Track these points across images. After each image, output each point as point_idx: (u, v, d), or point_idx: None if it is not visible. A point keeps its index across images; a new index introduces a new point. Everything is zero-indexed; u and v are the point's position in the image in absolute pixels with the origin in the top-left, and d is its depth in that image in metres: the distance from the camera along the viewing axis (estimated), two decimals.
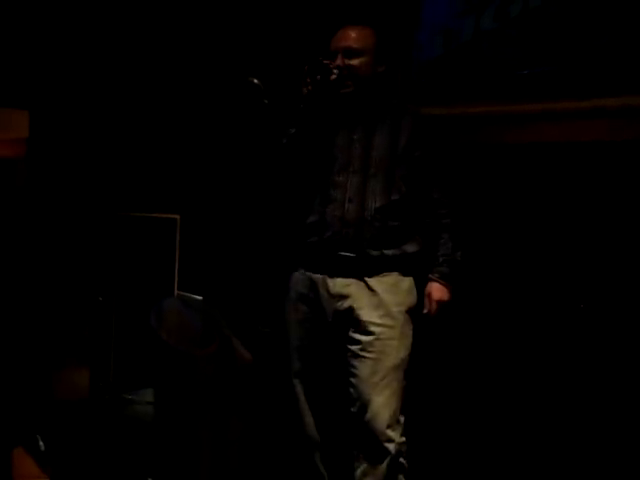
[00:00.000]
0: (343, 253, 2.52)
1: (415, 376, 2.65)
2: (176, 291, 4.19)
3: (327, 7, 3.78)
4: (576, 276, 3.30)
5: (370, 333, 2.50)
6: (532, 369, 3.33)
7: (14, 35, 3.96)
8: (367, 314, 2.51)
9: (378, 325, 2.50)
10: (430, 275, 2.58)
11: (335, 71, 2.51)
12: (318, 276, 2.57)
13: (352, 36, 2.56)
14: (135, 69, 4.25)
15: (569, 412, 3.21)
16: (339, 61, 2.53)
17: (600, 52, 3.22)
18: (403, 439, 2.53)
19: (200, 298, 3.92)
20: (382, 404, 2.48)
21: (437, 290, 2.56)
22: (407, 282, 2.57)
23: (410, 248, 2.56)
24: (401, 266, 2.55)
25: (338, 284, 2.54)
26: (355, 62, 2.54)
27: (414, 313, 2.59)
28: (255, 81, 2.63)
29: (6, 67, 3.92)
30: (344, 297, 2.54)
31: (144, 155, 4.32)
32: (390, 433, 2.49)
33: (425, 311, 2.57)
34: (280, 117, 2.65)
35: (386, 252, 2.52)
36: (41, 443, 2.93)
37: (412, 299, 2.59)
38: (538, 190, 3.38)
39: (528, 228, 3.40)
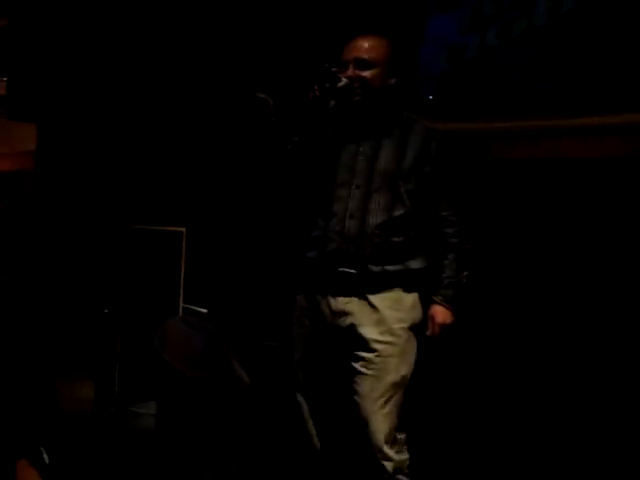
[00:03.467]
0: (343, 269, 2.49)
1: (421, 391, 2.64)
2: (181, 304, 4.20)
3: (334, 22, 3.81)
4: (583, 293, 3.30)
5: (370, 350, 2.47)
6: (535, 385, 3.33)
7: (22, 50, 4.00)
8: (368, 331, 2.48)
9: (379, 342, 2.47)
10: (433, 297, 2.52)
11: (344, 79, 2.46)
12: (320, 293, 2.54)
13: (364, 47, 2.51)
14: (142, 84, 4.27)
15: (574, 438, 3.20)
16: (350, 72, 2.49)
17: (606, 69, 3.23)
18: (403, 457, 2.49)
19: (205, 311, 3.93)
20: (381, 421, 2.45)
21: (440, 313, 2.50)
22: (410, 298, 2.52)
23: (415, 264, 2.51)
24: (404, 282, 2.50)
25: (340, 301, 2.51)
26: (366, 73, 2.49)
27: (418, 329, 2.53)
28: (263, 96, 2.62)
29: (15, 81, 3.96)
30: (345, 314, 2.50)
31: (150, 168, 4.34)
32: (387, 451, 2.46)
33: (428, 333, 2.52)
34: (287, 130, 2.63)
35: (388, 268, 2.47)
36: (45, 455, 2.93)
37: (416, 315, 2.53)
38: (541, 205, 3.40)
39: (532, 242, 3.41)
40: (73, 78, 4.13)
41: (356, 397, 2.50)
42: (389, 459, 2.46)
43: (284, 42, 4.04)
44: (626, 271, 3.21)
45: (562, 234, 3.36)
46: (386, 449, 2.46)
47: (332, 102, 2.46)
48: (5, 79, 4.13)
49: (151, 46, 4.27)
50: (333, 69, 2.46)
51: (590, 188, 3.28)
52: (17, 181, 4.31)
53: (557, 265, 3.38)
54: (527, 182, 3.44)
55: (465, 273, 2.52)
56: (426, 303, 2.57)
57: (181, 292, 4.20)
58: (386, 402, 2.46)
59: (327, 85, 2.43)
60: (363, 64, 2.50)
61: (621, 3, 3.21)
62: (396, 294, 2.50)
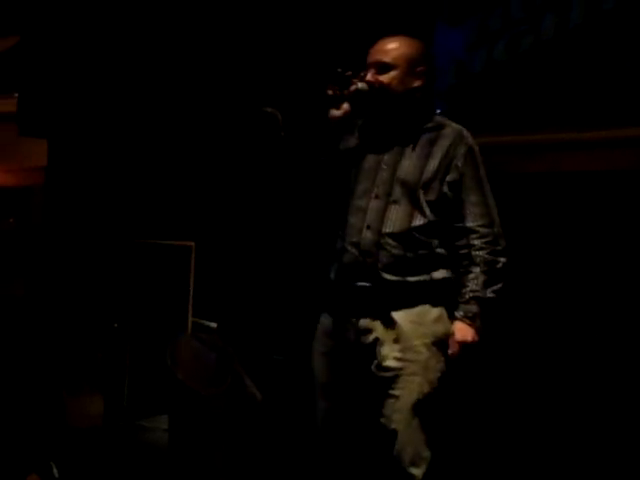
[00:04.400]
0: (362, 284, 2.40)
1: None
2: (190, 318, 4.20)
3: (341, 37, 3.83)
4: (592, 308, 3.30)
5: (391, 369, 2.38)
6: (535, 394, 3.33)
7: (33, 67, 4.03)
8: (387, 349, 2.38)
9: (399, 360, 2.37)
10: (455, 313, 2.38)
11: (361, 84, 2.38)
12: (344, 309, 2.45)
13: (383, 49, 2.42)
14: (152, 99, 4.30)
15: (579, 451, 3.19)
16: (369, 76, 2.40)
17: (614, 83, 3.24)
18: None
19: (214, 325, 3.94)
20: (405, 442, 2.36)
21: (460, 330, 2.36)
22: (436, 312, 2.40)
23: (438, 275, 2.39)
24: (430, 295, 2.39)
25: (362, 319, 2.41)
26: (384, 77, 2.40)
27: (444, 344, 2.39)
28: (271, 111, 2.60)
29: (26, 98, 3.99)
30: (368, 330, 2.42)
31: (160, 183, 4.36)
32: (413, 470, 2.37)
33: (449, 352, 2.38)
34: (296, 145, 2.59)
35: (409, 279, 2.37)
36: (55, 470, 2.94)
37: (440, 329, 2.39)
38: (548, 219, 3.40)
39: (536, 257, 3.41)
40: (84, 94, 4.15)
41: (381, 418, 2.41)
42: (414, 479, 2.38)
43: (291, 56, 4.06)
44: (632, 284, 3.21)
45: (567, 247, 3.36)
46: (412, 470, 2.37)
47: (345, 106, 2.38)
48: (16, 95, 4.16)
49: (161, 63, 4.30)
50: (347, 73, 2.39)
51: (598, 201, 3.29)
52: (27, 196, 4.33)
53: (564, 278, 3.38)
54: (535, 196, 3.45)
55: (493, 288, 2.35)
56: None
57: (190, 306, 4.20)
58: (410, 423, 2.36)
59: (338, 91, 2.37)
60: (382, 67, 2.40)
61: (629, 18, 3.22)
62: (419, 309, 2.39)
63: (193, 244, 4.24)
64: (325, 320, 2.53)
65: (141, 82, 4.28)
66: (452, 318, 2.40)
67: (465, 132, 2.46)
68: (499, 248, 2.39)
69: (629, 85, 3.22)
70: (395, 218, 2.38)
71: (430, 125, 2.45)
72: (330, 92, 2.38)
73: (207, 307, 4.17)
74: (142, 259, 4.24)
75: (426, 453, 2.39)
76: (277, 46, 4.10)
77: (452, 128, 2.44)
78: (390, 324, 2.39)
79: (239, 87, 4.19)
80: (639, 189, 3.21)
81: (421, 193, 2.37)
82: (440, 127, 2.44)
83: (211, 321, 4.03)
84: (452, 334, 2.37)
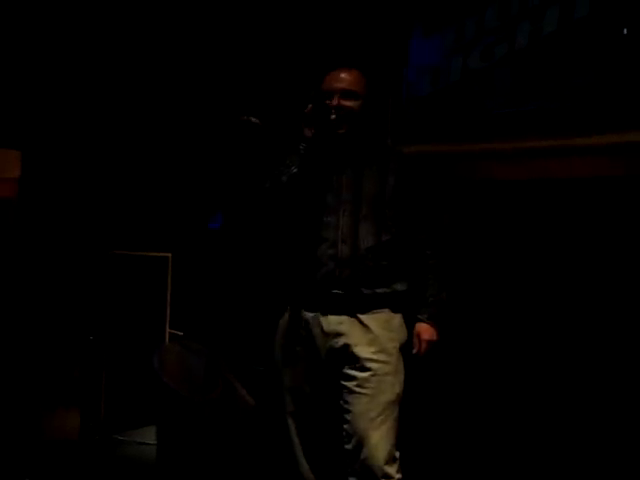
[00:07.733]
0: (336, 291, 2.54)
1: (410, 411, 2.63)
2: (168, 330, 4.18)
3: (318, 48, 3.85)
4: (570, 314, 3.32)
5: (366, 369, 2.50)
6: (522, 404, 3.34)
7: (7, 77, 4.00)
8: (362, 350, 2.52)
9: (374, 361, 2.51)
10: (419, 316, 2.60)
11: (333, 111, 2.56)
12: (310, 314, 2.58)
13: (348, 78, 2.62)
14: (127, 108, 4.28)
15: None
16: (335, 101, 2.57)
17: (583, 90, 3.29)
18: (400, 475, 2.51)
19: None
20: (379, 440, 2.47)
21: (426, 331, 2.57)
22: (398, 319, 2.60)
23: (400, 287, 2.59)
24: (391, 304, 2.58)
25: (331, 322, 2.55)
26: (351, 104, 2.58)
27: (405, 349, 2.59)
28: (254, 120, 2.65)
29: None
30: (338, 335, 2.54)
31: (136, 194, 4.34)
32: (388, 469, 2.48)
33: (415, 351, 2.58)
34: (275, 155, 2.66)
35: (378, 291, 2.55)
36: None
37: (403, 335, 2.60)
38: (526, 225, 3.42)
39: (515, 261, 3.44)
40: (57, 105, 4.14)
41: (352, 417, 2.50)
42: (389, 477, 2.48)
43: (269, 67, 4.07)
44: (605, 293, 3.24)
45: (541, 253, 3.40)
46: (387, 468, 2.48)
47: (309, 131, 2.55)
48: None
49: (137, 73, 4.29)
50: (326, 102, 2.56)
51: (575, 207, 3.32)
52: (1, 208, 4.29)
53: (543, 284, 3.41)
54: (510, 202, 3.48)
55: (445, 293, 2.61)
56: (409, 324, 2.61)
57: (167, 317, 4.18)
58: (384, 421, 2.49)
59: (320, 118, 2.54)
60: (348, 94, 2.59)
61: (601, 26, 3.26)
62: (385, 315, 2.56)
63: (170, 255, 4.22)
64: (289, 327, 2.62)
65: (115, 92, 4.27)
66: (408, 324, 2.61)
67: (409, 156, 2.72)
68: (445, 255, 2.64)
69: (602, 92, 3.25)
70: (366, 233, 2.56)
71: (379, 149, 2.67)
72: (307, 110, 2.55)
73: (184, 318, 4.15)
74: (118, 270, 4.22)
75: (397, 453, 2.52)
76: (258, 55, 4.12)
77: (399, 153, 2.70)
78: (363, 329, 2.54)
79: (219, 96, 4.20)
80: (615, 195, 3.24)
81: (385, 209, 2.58)
82: (389, 151, 2.68)
83: (188, 332, 4.01)
84: (418, 334, 2.58)
